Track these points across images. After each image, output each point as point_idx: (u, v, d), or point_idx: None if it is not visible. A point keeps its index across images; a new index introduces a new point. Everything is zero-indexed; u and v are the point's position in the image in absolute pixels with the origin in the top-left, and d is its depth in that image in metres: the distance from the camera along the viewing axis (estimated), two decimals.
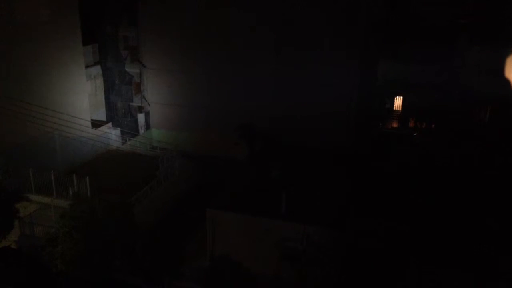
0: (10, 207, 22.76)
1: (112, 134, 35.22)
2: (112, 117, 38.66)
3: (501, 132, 31.39)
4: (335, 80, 32.32)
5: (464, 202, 23.20)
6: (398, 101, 35.47)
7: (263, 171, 26.04)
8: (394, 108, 35.69)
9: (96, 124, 34.36)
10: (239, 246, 22.36)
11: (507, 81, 32.27)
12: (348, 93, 32.41)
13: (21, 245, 23.35)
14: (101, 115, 37.90)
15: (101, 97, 38.11)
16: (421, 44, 33.49)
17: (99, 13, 36.45)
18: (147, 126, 38.54)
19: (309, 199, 23.33)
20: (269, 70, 33.63)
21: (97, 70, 37.21)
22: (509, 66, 32.19)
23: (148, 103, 37.97)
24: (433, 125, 34.05)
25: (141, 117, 38.58)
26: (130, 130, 37.49)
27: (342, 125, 32.85)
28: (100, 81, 37.72)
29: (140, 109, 38.67)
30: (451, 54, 33.24)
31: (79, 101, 33.20)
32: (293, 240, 21.02)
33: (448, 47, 33.27)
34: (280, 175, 25.49)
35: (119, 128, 36.43)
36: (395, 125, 35.60)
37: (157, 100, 37.81)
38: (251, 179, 25.98)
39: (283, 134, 32.35)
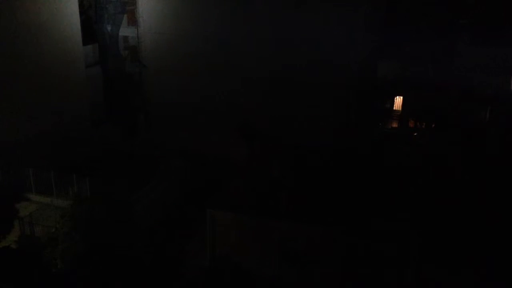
0: (10, 207, 22.77)
1: (112, 133, 35.22)
2: (112, 116, 38.65)
3: (501, 131, 31.38)
4: (335, 80, 32.30)
5: (463, 201, 23.19)
6: (398, 101, 35.45)
7: (263, 171, 26.02)
8: (394, 108, 35.68)
9: (96, 123, 34.35)
10: (239, 246, 22.36)
11: (507, 80, 32.27)
12: (348, 93, 32.41)
13: (21, 245, 23.33)
14: (101, 115, 37.89)
15: (101, 96, 38.09)
16: (421, 43, 33.50)
17: (99, 13, 36.44)
18: (147, 125, 38.51)
19: (309, 199, 23.33)
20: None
21: (97, 70, 37.19)
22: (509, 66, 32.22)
23: (148, 103, 37.93)
24: (433, 125, 34.03)
25: (141, 117, 38.59)
26: (130, 130, 37.48)
27: (343, 125, 32.85)
28: (100, 81, 37.70)
29: (140, 108, 38.65)
30: (451, 54, 33.26)
31: (79, 100, 33.18)
32: (293, 240, 21.01)
33: (448, 47, 33.29)
34: (280, 175, 25.47)
35: (119, 128, 36.43)
36: (395, 125, 35.58)
37: (158, 99, 37.78)
38: (251, 179, 25.96)
39: (283, 134, 32.32)
